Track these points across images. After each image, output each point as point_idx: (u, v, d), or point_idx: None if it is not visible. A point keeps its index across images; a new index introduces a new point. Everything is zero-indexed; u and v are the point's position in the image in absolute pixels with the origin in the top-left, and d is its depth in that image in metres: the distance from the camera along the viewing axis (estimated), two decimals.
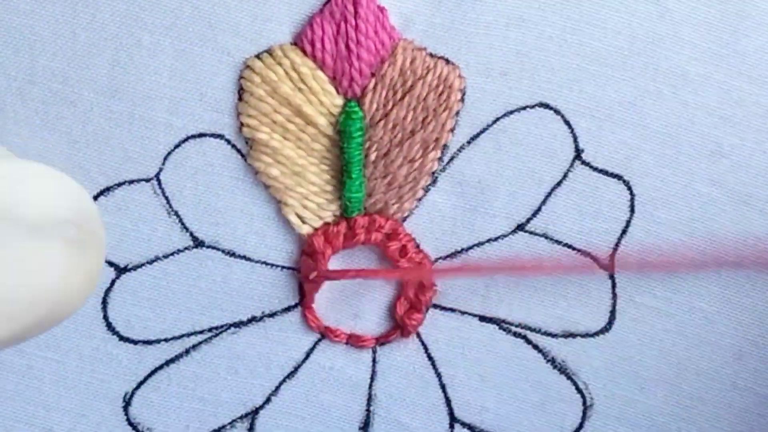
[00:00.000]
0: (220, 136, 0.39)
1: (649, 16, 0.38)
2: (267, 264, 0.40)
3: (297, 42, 0.38)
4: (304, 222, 0.39)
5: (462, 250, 0.39)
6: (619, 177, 0.39)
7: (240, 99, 0.38)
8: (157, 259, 0.39)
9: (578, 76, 0.38)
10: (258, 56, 0.38)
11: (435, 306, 0.40)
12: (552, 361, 0.40)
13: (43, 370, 0.40)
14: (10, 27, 0.38)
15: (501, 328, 0.40)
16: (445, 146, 0.39)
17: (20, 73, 0.38)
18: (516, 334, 0.40)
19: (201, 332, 0.40)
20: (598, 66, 0.38)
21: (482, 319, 0.40)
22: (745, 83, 0.39)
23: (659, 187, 0.39)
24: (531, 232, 0.39)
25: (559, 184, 0.39)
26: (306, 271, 0.39)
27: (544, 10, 0.38)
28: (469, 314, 0.40)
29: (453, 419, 0.40)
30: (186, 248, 0.39)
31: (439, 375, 0.40)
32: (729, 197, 0.39)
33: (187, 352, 0.40)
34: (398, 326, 0.40)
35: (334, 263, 0.40)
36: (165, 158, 0.39)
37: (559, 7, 0.38)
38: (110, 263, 0.39)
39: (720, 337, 0.40)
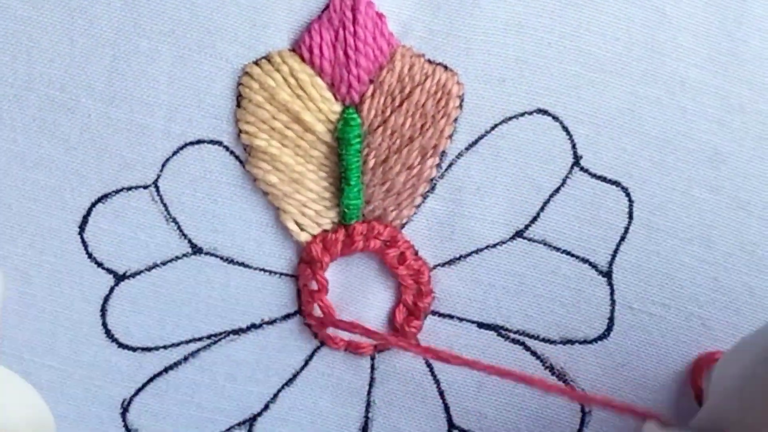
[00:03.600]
0: (219, 143, 0.39)
1: (647, 22, 0.38)
2: (265, 271, 0.39)
3: (295, 48, 0.38)
4: (302, 229, 0.39)
5: (461, 257, 0.39)
6: (617, 183, 0.39)
7: (238, 105, 0.38)
8: (155, 266, 0.39)
9: (577, 83, 0.38)
10: (256, 62, 0.38)
11: (434, 312, 0.40)
12: (550, 368, 0.40)
13: (40, 377, 0.39)
14: (7, 33, 0.38)
15: (499, 334, 0.40)
16: (443, 153, 0.39)
17: (17, 80, 0.38)
18: (514, 341, 0.40)
19: (200, 339, 0.40)
20: (597, 72, 0.38)
21: (480, 325, 0.40)
22: (743, 89, 0.39)
23: (658, 194, 0.39)
24: (530, 239, 0.39)
25: (557, 190, 0.39)
26: (304, 279, 0.39)
27: (543, 17, 0.38)
28: (468, 321, 0.40)
29: (451, 426, 0.40)
30: (184, 255, 0.39)
31: (437, 381, 0.40)
32: (727, 203, 0.39)
33: (186, 359, 0.40)
34: (397, 333, 0.40)
35: (332, 271, 0.40)
36: (163, 165, 0.39)
37: (558, 14, 0.38)
38: (109, 270, 0.39)
39: (718, 344, 0.40)
